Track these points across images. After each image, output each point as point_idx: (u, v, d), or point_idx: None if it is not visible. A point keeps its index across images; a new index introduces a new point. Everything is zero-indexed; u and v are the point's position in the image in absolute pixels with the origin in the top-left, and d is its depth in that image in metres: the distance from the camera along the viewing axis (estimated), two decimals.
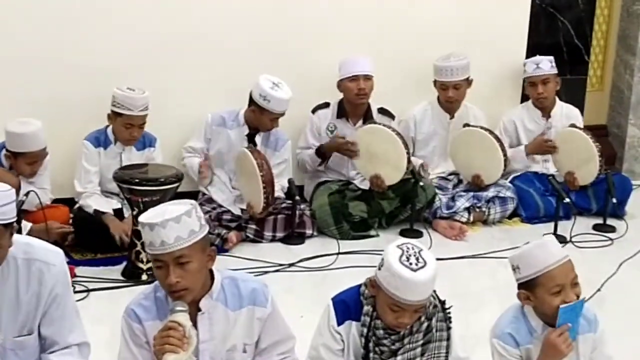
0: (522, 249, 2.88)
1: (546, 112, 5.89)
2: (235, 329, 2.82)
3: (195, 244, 2.66)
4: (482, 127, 5.59)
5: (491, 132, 5.54)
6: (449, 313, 2.96)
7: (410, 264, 2.71)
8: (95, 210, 4.79)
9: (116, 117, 4.84)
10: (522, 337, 2.90)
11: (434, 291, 2.89)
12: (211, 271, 2.80)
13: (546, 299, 2.81)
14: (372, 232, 5.31)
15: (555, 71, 5.84)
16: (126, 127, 4.84)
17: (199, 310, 2.76)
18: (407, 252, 2.74)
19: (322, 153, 5.42)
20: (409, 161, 5.25)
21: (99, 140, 4.92)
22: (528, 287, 2.85)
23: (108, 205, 4.89)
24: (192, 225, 2.67)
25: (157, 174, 4.47)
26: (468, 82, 5.61)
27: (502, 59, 6.04)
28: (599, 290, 4.53)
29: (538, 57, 5.86)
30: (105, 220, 4.77)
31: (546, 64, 5.81)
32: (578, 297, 2.83)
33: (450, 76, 5.54)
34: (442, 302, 2.96)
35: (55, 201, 4.96)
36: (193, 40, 5.32)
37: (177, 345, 2.59)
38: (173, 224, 2.63)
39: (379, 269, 2.78)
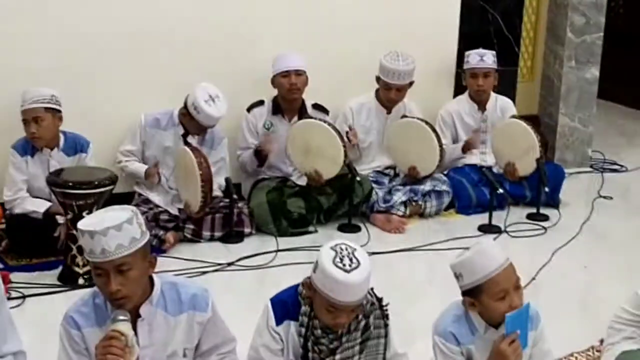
0: (463, 257, 2.85)
1: (482, 105, 5.96)
2: (175, 335, 2.82)
3: (136, 251, 2.65)
4: (419, 118, 5.63)
5: (427, 123, 5.58)
6: (386, 310, 2.98)
7: (344, 265, 2.72)
8: (45, 213, 4.73)
9: None
10: (464, 336, 2.90)
11: (371, 288, 2.91)
12: (151, 277, 2.79)
13: (491, 305, 2.81)
14: (311, 228, 5.32)
15: (496, 66, 5.89)
16: (24, 123, 4.73)
17: (139, 316, 2.75)
18: (341, 253, 2.75)
19: (260, 153, 5.40)
20: (345, 155, 5.26)
21: (25, 148, 4.79)
22: (472, 294, 2.84)
23: (43, 203, 4.81)
24: (134, 233, 2.65)
25: (91, 176, 4.40)
26: (410, 84, 5.63)
27: (434, 53, 6.06)
28: (533, 279, 4.61)
29: (482, 50, 5.89)
30: (53, 210, 4.70)
31: (489, 58, 5.86)
32: (521, 301, 2.83)
33: (396, 79, 5.52)
34: (380, 300, 2.98)
35: None
36: (124, 39, 5.24)
37: (119, 355, 2.58)
38: (114, 231, 2.60)
39: (314, 271, 2.78)
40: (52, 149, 4.83)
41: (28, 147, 4.80)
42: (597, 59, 6.76)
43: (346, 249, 2.77)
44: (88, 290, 2.84)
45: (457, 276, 2.87)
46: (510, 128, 5.76)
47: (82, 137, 4.94)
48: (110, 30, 5.20)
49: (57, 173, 4.52)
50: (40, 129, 4.71)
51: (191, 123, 5.11)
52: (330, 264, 2.72)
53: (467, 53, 5.94)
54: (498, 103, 6.02)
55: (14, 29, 4.99)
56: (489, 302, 2.81)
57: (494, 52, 5.91)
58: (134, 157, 5.20)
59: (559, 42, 6.72)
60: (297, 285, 2.94)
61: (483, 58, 5.85)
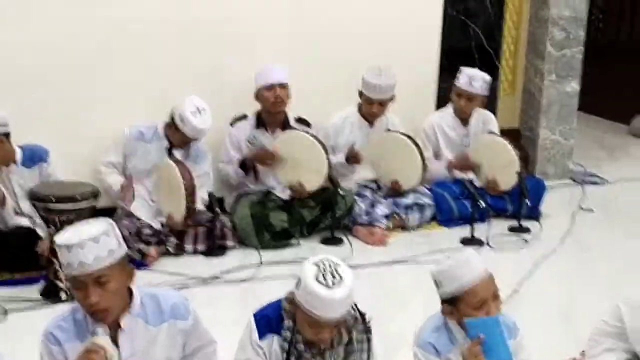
0: (444, 266, 2.88)
1: (465, 120, 5.97)
2: (156, 344, 2.82)
3: (114, 263, 2.65)
4: (401, 133, 5.65)
5: (410, 138, 5.60)
6: (369, 325, 2.98)
7: (327, 281, 2.71)
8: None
9: None
10: (443, 346, 2.92)
11: (354, 303, 2.92)
12: (130, 289, 2.79)
13: (469, 313, 2.83)
14: (294, 241, 5.33)
15: (485, 93, 5.85)
16: None
17: (119, 327, 2.74)
18: (323, 269, 2.74)
19: (246, 165, 5.42)
20: (329, 165, 5.29)
21: None
22: (451, 302, 2.87)
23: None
24: (111, 245, 2.65)
25: (74, 191, 4.39)
26: (392, 98, 5.65)
27: (415, 67, 6.11)
28: (516, 291, 4.63)
29: (475, 73, 5.81)
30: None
31: (479, 83, 5.78)
32: (499, 310, 2.86)
33: (378, 94, 5.55)
34: (362, 314, 2.98)
35: None
36: (109, 53, 5.26)
37: None
38: (92, 244, 2.61)
39: (296, 287, 2.78)
40: (7, 166, 4.78)
41: None
42: (578, 72, 6.81)
43: (329, 265, 2.76)
44: (67, 307, 2.83)
45: (437, 284, 2.90)
46: (488, 144, 5.78)
47: (40, 147, 4.89)
48: (92, 44, 5.21)
49: (40, 187, 4.50)
50: None
51: (176, 135, 5.12)
52: (312, 281, 2.72)
53: (461, 68, 5.88)
54: (480, 117, 6.03)
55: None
56: (467, 310, 2.84)
57: (486, 79, 5.83)
58: (114, 170, 5.21)
59: (540, 56, 6.77)
60: (280, 300, 2.93)
61: (472, 82, 5.79)
